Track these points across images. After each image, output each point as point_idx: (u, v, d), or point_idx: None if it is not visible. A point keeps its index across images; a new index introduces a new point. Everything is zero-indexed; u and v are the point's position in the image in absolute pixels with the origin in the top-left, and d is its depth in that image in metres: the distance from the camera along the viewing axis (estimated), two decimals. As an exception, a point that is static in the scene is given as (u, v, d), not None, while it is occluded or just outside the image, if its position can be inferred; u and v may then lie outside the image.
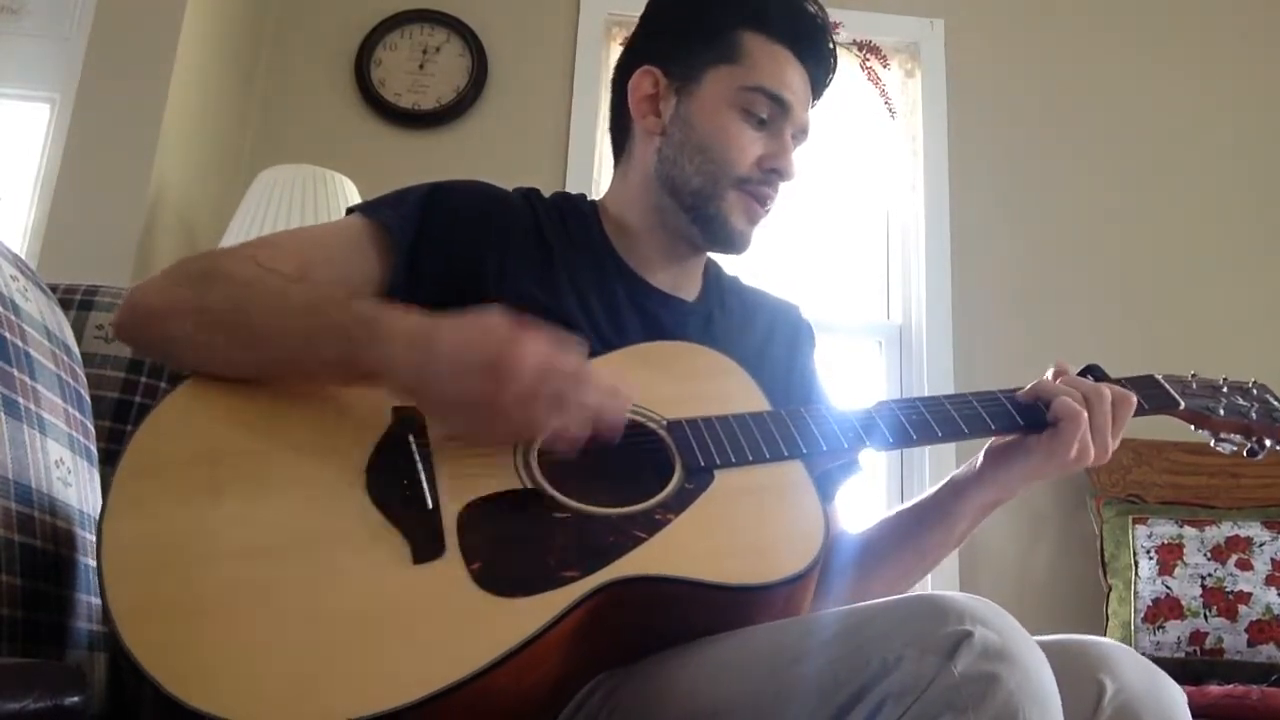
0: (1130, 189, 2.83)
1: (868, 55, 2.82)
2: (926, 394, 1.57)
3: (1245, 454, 1.06)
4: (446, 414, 0.86)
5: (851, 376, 2.75)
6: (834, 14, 2.68)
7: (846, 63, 2.80)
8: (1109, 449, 0.98)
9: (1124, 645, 0.86)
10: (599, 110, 2.73)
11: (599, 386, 0.85)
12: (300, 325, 0.88)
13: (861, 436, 0.97)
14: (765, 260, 2.67)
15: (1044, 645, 0.72)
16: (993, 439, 1.04)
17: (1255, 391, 1.09)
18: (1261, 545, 2.22)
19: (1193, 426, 1.07)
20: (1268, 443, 1.06)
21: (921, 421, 0.98)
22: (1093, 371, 1.04)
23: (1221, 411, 1.05)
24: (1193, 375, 1.09)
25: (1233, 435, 1.06)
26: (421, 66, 2.76)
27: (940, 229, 2.75)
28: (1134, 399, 1.00)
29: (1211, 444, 1.08)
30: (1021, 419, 0.99)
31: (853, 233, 2.87)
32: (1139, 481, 2.45)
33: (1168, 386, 1.06)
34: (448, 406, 0.85)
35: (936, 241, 2.74)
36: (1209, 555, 2.23)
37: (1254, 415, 1.06)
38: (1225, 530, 2.26)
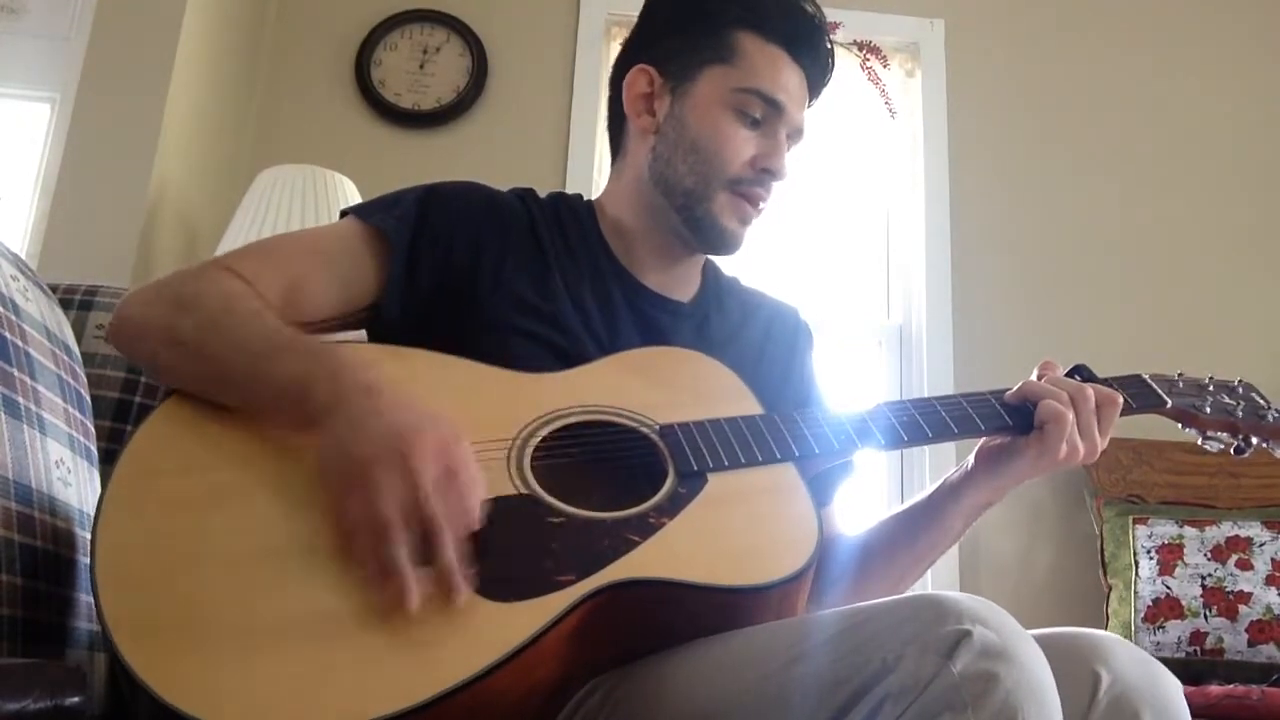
0: (1130, 188, 2.83)
1: (868, 55, 2.82)
2: (926, 394, 1.57)
3: (1232, 451, 1.07)
4: (325, 458, 0.81)
5: (851, 376, 2.75)
6: (834, 14, 2.70)
7: (846, 63, 2.80)
8: (1098, 447, 0.99)
9: (1118, 636, 0.86)
10: (599, 110, 2.73)
11: (456, 563, 0.76)
12: (256, 366, 0.87)
13: (853, 438, 0.97)
14: (765, 260, 2.67)
15: (1038, 638, 0.72)
16: (984, 440, 1.04)
17: (1241, 390, 1.10)
18: (1261, 545, 2.22)
19: (1180, 425, 1.08)
20: (1254, 440, 1.07)
21: (912, 423, 0.98)
22: (1080, 371, 1.04)
23: (1208, 410, 1.06)
24: (1179, 374, 1.10)
25: (1219, 433, 1.07)
26: (421, 66, 2.76)
27: (940, 229, 2.75)
28: (1120, 399, 1.00)
29: (1199, 442, 1.09)
30: (1010, 420, 1.00)
31: (853, 233, 2.87)
32: (1139, 481, 2.44)
33: (1154, 385, 1.06)
34: (337, 448, 0.80)
35: (936, 241, 2.74)
36: (1209, 555, 2.23)
37: (1240, 413, 1.07)
38: (1225, 530, 2.26)
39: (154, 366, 0.96)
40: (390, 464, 0.76)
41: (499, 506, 0.83)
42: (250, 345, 0.88)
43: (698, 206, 1.08)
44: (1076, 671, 0.80)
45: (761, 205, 1.11)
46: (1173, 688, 0.83)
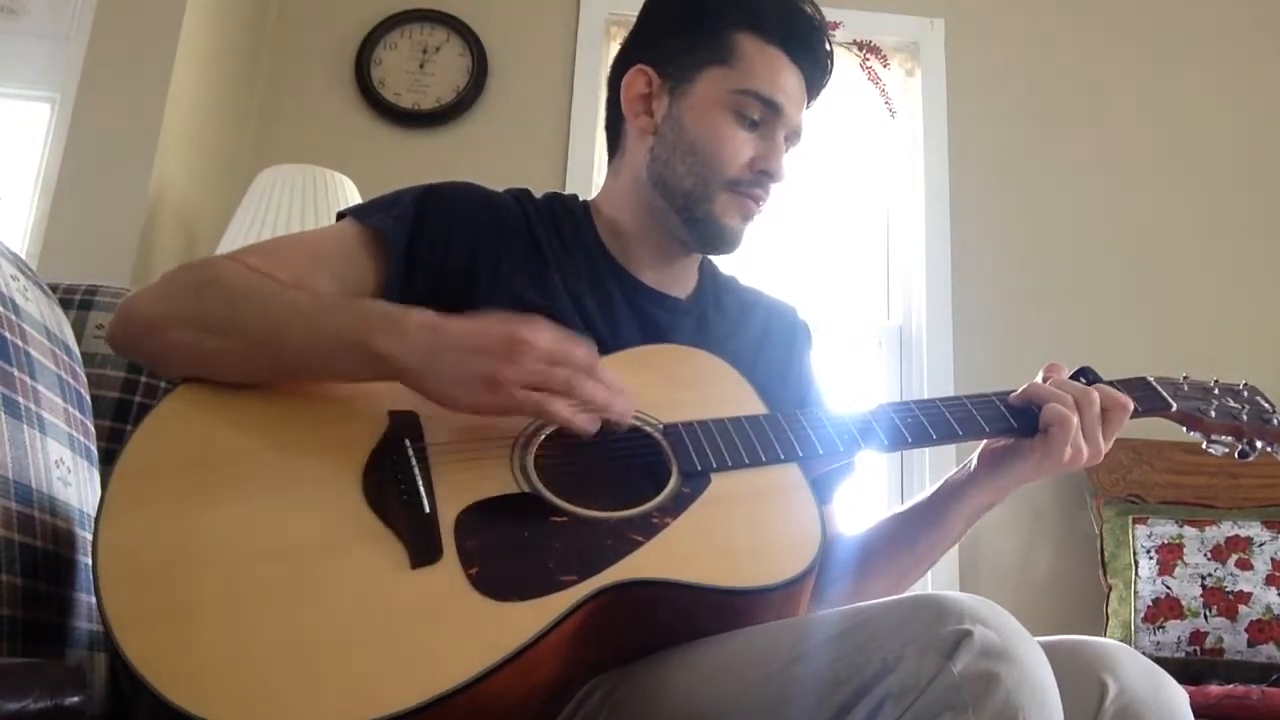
0: (1130, 188, 2.83)
1: (868, 55, 2.82)
2: (926, 394, 1.57)
3: (1236, 455, 1.07)
4: (455, 394, 0.85)
5: (851, 377, 2.75)
6: (834, 14, 2.70)
7: (846, 62, 2.80)
8: (1102, 451, 0.99)
9: (1126, 645, 0.86)
10: (599, 110, 2.72)
11: (608, 382, 0.86)
12: (303, 324, 0.89)
13: (857, 439, 0.97)
14: (765, 260, 2.67)
15: (1046, 646, 0.72)
16: (986, 442, 1.04)
17: (1246, 393, 1.09)
18: (1261, 545, 2.22)
19: (1185, 428, 1.08)
20: (1259, 444, 1.07)
21: (916, 424, 0.98)
22: (1085, 373, 1.04)
23: (1213, 413, 1.06)
24: (1184, 377, 1.09)
25: (1224, 436, 1.07)
26: (421, 66, 2.76)
27: (940, 229, 2.75)
28: (1129, 402, 1.00)
29: (1204, 445, 1.08)
30: (1015, 422, 1.00)
31: (853, 233, 2.87)
32: (1139, 481, 2.44)
33: (1159, 388, 1.06)
34: (456, 385, 0.85)
35: (936, 241, 2.74)
36: (1209, 555, 2.23)
37: (1245, 417, 1.06)
38: (1225, 530, 2.26)
39: (178, 357, 0.94)
40: (510, 354, 0.82)
41: (501, 505, 0.83)
42: (297, 309, 0.90)
43: (697, 207, 1.09)
44: (1083, 680, 0.80)
45: (761, 205, 1.11)
46: (1179, 698, 0.83)
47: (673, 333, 1.10)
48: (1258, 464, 1.08)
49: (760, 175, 1.09)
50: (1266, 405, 1.08)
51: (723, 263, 1.24)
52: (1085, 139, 2.85)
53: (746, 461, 0.91)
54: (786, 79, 1.09)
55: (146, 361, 1.10)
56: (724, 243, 1.11)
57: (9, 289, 0.99)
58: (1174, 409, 1.05)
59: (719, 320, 1.17)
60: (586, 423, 0.85)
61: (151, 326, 0.94)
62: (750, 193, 1.09)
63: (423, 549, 0.78)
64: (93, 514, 0.99)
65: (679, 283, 1.17)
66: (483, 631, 0.73)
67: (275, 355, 0.90)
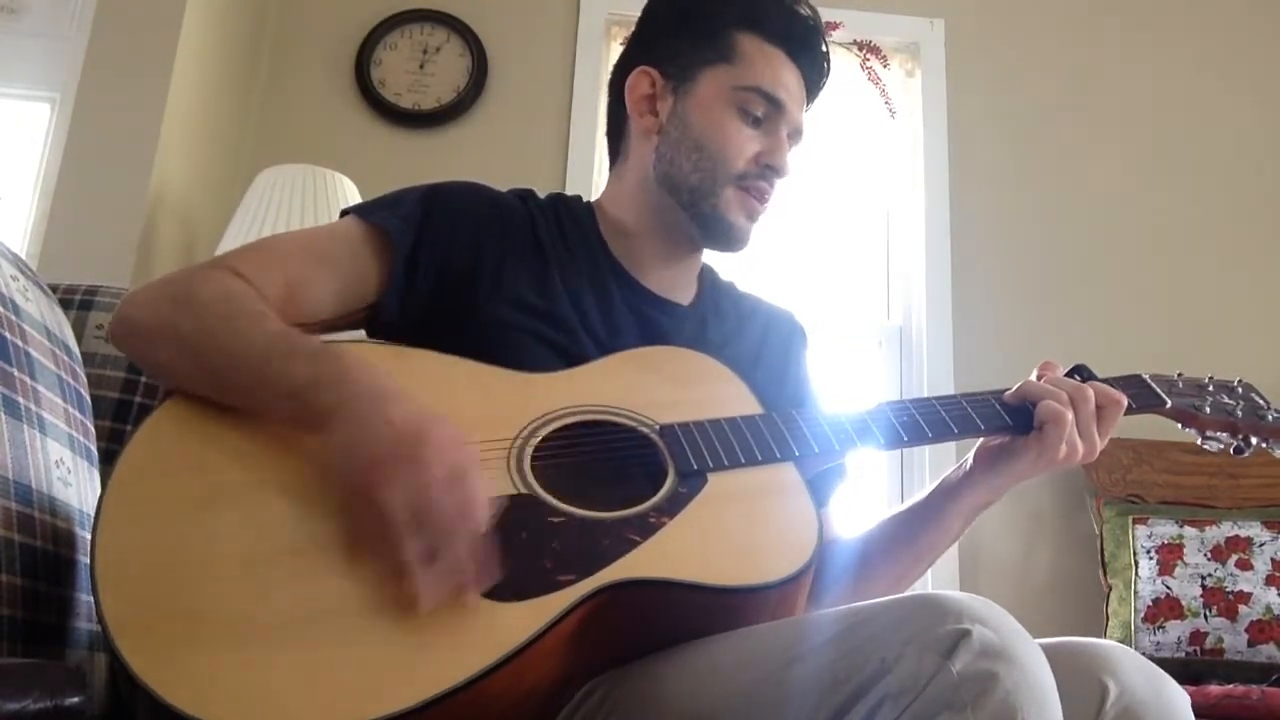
0: (1130, 188, 2.83)
1: (868, 55, 2.82)
2: (925, 394, 1.57)
3: (1232, 451, 1.07)
4: (341, 460, 0.80)
5: (851, 377, 2.75)
6: (834, 14, 2.71)
7: (846, 63, 2.80)
8: (1097, 447, 0.99)
9: (1126, 647, 0.86)
10: (599, 110, 2.73)
11: (472, 559, 0.76)
12: (260, 368, 0.86)
13: (853, 438, 0.97)
14: (765, 260, 2.67)
15: (1046, 648, 0.72)
16: (982, 440, 1.04)
17: (1240, 390, 1.10)
18: (1261, 545, 2.22)
19: (1180, 425, 1.08)
20: (1253, 440, 1.07)
21: (912, 423, 0.99)
22: (1080, 371, 1.04)
23: (1207, 410, 1.06)
24: (1179, 374, 1.10)
25: (1219, 433, 1.07)
26: (421, 66, 2.76)
27: (940, 229, 2.75)
28: (1123, 399, 1.00)
29: (1199, 442, 1.09)
30: (1010, 420, 1.00)
31: (853, 233, 2.87)
32: (1139, 481, 2.44)
33: (1154, 385, 1.07)
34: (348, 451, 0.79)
35: (936, 241, 2.74)
36: (1209, 555, 2.23)
37: (1240, 413, 1.07)
38: (1225, 530, 2.26)
39: (154, 366, 0.95)
40: (398, 462, 0.76)
41: (499, 506, 0.83)
42: (252, 348, 0.88)
43: (704, 203, 1.09)
44: (1084, 682, 0.80)
45: (767, 201, 1.12)
46: (1180, 700, 0.83)
47: (673, 336, 1.11)
48: (1257, 464, 1.08)
49: (766, 170, 1.10)
50: (1261, 402, 1.09)
51: (724, 265, 1.24)
52: (1085, 139, 2.85)
53: (743, 461, 0.91)
54: (787, 77, 1.10)
55: (136, 363, 1.09)
56: (732, 240, 1.12)
57: (9, 289, 1.00)
58: (1168, 405, 1.06)
59: (718, 326, 1.17)
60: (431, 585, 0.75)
61: (137, 331, 0.94)
62: (756, 187, 1.10)
63: None
64: (93, 514, 1.00)
65: (681, 287, 1.17)
66: (481, 632, 0.73)
67: (230, 389, 0.87)
